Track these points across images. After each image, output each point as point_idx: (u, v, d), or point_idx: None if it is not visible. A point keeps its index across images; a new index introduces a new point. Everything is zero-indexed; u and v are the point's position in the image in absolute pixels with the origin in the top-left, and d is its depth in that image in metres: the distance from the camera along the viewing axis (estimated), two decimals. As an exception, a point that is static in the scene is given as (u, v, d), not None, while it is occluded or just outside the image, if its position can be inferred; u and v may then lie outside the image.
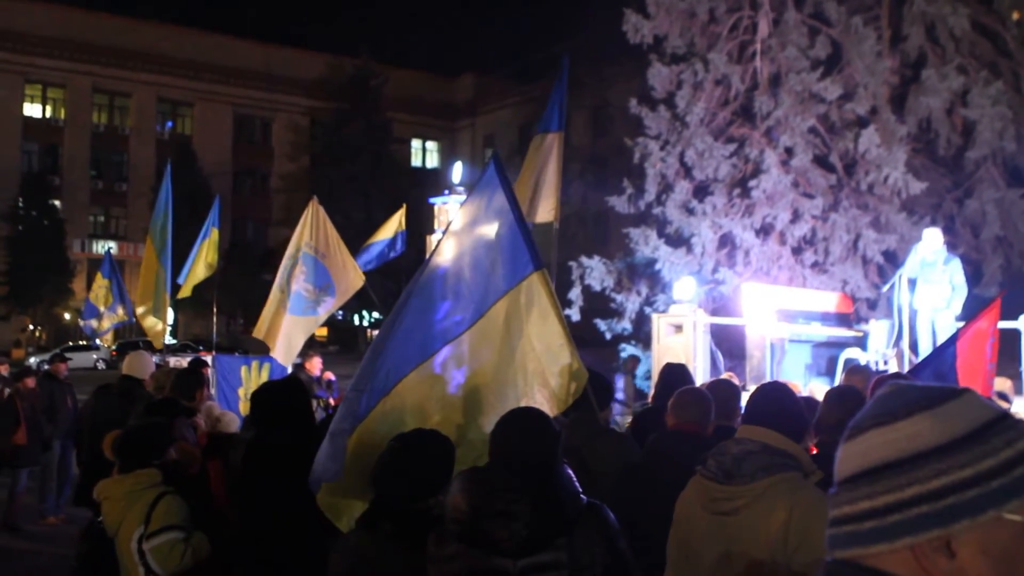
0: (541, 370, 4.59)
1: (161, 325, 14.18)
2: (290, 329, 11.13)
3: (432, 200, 24.05)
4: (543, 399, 4.46)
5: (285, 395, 5.09)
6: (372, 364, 4.71)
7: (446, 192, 22.83)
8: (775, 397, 3.67)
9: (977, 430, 1.29)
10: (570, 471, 3.30)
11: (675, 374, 6.26)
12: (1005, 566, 1.24)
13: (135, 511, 4.75)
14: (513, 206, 4.90)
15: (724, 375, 9.61)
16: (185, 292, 15.02)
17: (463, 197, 18.25)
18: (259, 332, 11.42)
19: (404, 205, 14.41)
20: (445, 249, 4.94)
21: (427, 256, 5.04)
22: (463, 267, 4.85)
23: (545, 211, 8.79)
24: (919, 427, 1.30)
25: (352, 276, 11.32)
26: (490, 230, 4.88)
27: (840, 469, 1.38)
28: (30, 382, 12.66)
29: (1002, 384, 8.76)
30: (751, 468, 3.30)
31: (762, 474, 3.25)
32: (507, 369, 4.65)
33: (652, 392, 9.46)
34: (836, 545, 1.35)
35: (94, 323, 16.40)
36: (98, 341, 19.27)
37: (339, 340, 59.96)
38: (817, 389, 9.64)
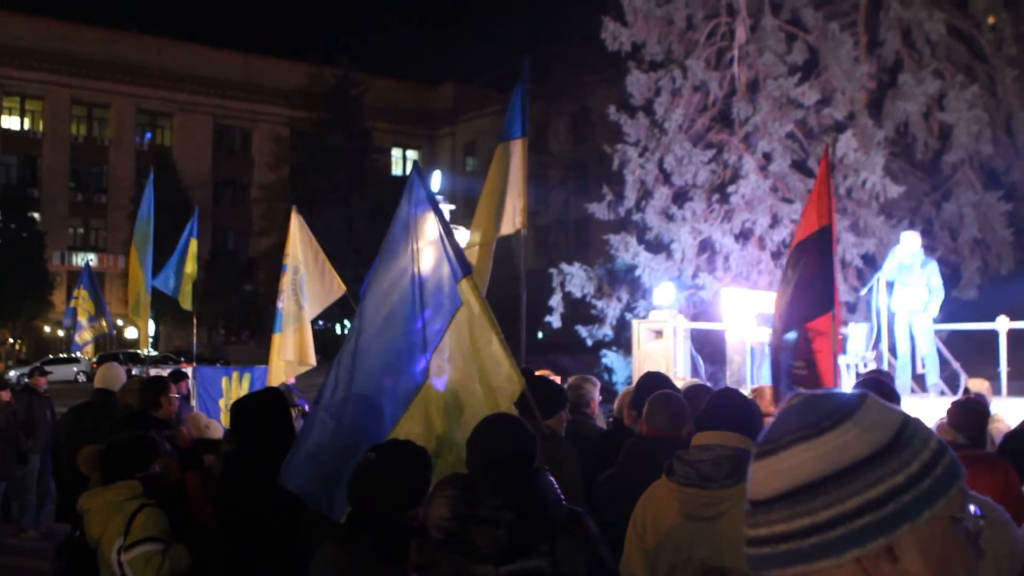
0: (488, 378, 4.64)
1: (141, 334, 14.18)
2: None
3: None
4: (493, 404, 4.50)
5: (265, 405, 5.07)
6: (355, 376, 4.76)
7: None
8: (733, 401, 3.71)
9: (897, 434, 1.31)
10: (551, 478, 3.30)
11: (652, 385, 5.99)
12: (940, 563, 1.27)
13: (116, 523, 4.75)
14: (439, 215, 5.02)
15: (677, 380, 9.47)
16: (185, 304, 14.82)
17: (449, 206, 18.31)
18: (287, 355, 11.08)
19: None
20: (421, 259, 4.97)
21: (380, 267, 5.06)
22: (439, 276, 4.88)
23: (509, 221, 8.45)
24: (846, 438, 1.30)
25: (329, 287, 11.21)
26: (431, 242, 4.95)
27: (762, 488, 1.36)
28: (3, 395, 12.56)
29: (979, 386, 8.79)
30: (728, 471, 3.31)
31: (740, 476, 3.25)
32: (469, 376, 4.70)
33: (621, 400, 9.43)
34: (773, 564, 1.33)
35: (79, 336, 16.31)
36: (79, 354, 19.21)
37: (321, 349, 59.71)
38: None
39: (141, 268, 14.06)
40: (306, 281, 10.94)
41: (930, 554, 1.27)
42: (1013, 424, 6.93)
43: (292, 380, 11.16)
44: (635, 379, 13.60)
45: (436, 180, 21.18)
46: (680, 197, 19.58)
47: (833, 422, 1.32)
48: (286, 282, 10.90)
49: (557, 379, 8.24)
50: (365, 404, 4.73)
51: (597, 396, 7.10)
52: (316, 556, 3.57)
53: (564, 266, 21.03)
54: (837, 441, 1.30)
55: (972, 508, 1.34)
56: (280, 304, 10.92)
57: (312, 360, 10.97)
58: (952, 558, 1.29)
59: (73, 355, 35.67)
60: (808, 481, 1.30)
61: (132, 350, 40.84)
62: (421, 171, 5.27)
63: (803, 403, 1.39)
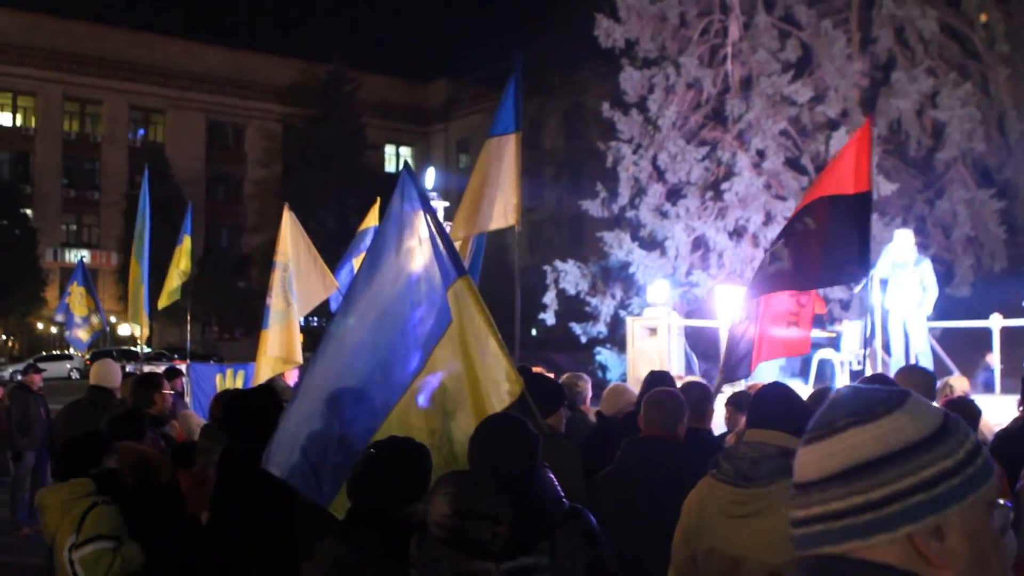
0: (485, 377, 4.66)
1: (140, 331, 14.20)
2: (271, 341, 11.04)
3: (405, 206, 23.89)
4: (491, 403, 4.51)
5: (259, 402, 5.08)
6: (344, 370, 4.77)
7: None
8: (780, 398, 3.66)
9: (943, 424, 1.40)
10: (551, 475, 3.31)
11: (654, 385, 5.94)
12: (978, 544, 1.36)
13: (68, 520, 4.72)
14: (432, 213, 5.04)
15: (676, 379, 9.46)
16: (163, 303, 14.90)
17: (442, 203, 18.25)
18: (274, 352, 11.05)
19: (379, 199, 13.31)
20: (415, 257, 4.97)
21: (366, 265, 5.07)
22: (431, 276, 4.89)
23: (501, 216, 8.27)
24: (900, 423, 1.39)
25: (320, 284, 11.25)
26: (424, 240, 4.97)
27: (815, 468, 1.44)
28: (-6, 393, 12.57)
29: (960, 383, 8.87)
30: (768, 471, 3.29)
31: (780, 476, 3.23)
32: (466, 375, 4.70)
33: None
34: (826, 541, 1.41)
35: (79, 334, 16.28)
36: (83, 352, 19.26)
37: (314, 346, 59.63)
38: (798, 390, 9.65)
39: (138, 266, 14.08)
40: (297, 278, 10.97)
41: (972, 535, 1.36)
42: (997, 422, 6.98)
43: (292, 381, 11.13)
44: (629, 376, 13.65)
45: (430, 177, 21.09)
46: (674, 194, 19.62)
47: (887, 408, 1.41)
48: (276, 279, 10.94)
49: (551, 376, 8.28)
50: (358, 396, 4.74)
51: (590, 393, 7.20)
52: (316, 551, 3.58)
53: (558, 263, 21.05)
54: (892, 425, 1.39)
55: (1002, 501, 1.44)
56: (269, 300, 10.96)
57: (299, 358, 10.96)
58: (988, 542, 1.39)
59: (68, 352, 35.59)
60: (863, 461, 1.38)
61: (126, 347, 40.70)
62: (412, 170, 5.28)
63: (852, 393, 1.48)
